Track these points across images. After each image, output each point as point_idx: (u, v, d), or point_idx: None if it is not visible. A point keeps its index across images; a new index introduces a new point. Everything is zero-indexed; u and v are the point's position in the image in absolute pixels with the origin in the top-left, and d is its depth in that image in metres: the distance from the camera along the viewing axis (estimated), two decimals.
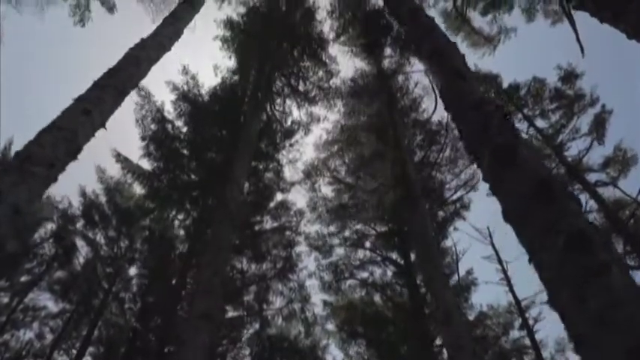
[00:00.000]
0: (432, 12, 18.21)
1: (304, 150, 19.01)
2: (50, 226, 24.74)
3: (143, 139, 18.78)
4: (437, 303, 9.81)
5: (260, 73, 18.01)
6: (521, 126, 18.69)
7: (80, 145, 5.91)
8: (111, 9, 18.73)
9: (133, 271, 22.92)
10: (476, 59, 18.49)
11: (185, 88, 18.82)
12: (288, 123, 18.97)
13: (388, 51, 17.95)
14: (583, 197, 16.71)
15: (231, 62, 18.85)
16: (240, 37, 18.28)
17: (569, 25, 11.64)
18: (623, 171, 18.31)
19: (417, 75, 24.29)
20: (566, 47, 19.39)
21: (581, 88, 17.92)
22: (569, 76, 17.82)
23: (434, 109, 16.21)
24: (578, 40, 11.99)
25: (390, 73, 17.36)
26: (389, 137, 14.89)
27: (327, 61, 18.49)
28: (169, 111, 18.84)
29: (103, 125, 6.49)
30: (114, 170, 23.81)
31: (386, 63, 17.84)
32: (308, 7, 18.57)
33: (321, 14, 18.74)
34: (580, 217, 3.26)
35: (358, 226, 18.44)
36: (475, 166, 17.89)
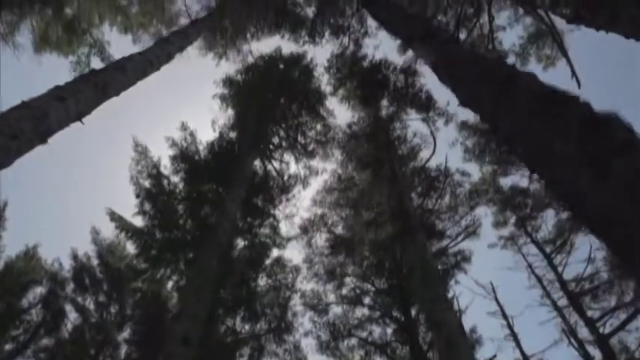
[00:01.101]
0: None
1: (302, 204, 18.72)
2: (39, 290, 23.96)
3: (137, 195, 18.45)
4: (438, 329, 9.00)
5: (258, 127, 17.97)
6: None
7: (51, 127, 5.55)
8: None
9: (122, 336, 21.92)
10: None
11: (183, 144, 18.64)
12: (286, 176, 18.71)
13: (385, 102, 17.98)
14: None
15: (229, 117, 18.80)
16: (239, 93, 18.37)
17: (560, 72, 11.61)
18: None
19: (415, 124, 24.36)
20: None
21: None
22: None
23: (432, 154, 15.98)
24: (573, 72, 11.92)
25: (387, 119, 17.29)
26: (385, 172, 14.54)
27: (324, 114, 18.56)
28: (166, 166, 18.60)
29: (79, 117, 6.16)
30: (110, 231, 23.20)
31: (383, 112, 17.83)
32: (306, 64, 18.81)
33: (319, 69, 18.96)
34: (592, 107, 2.83)
35: (357, 283, 17.66)
36: (474, 214, 17.58)
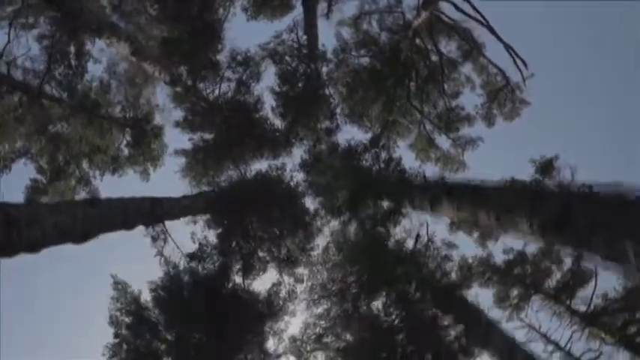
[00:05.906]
0: (402, 145, 18.60)
1: (290, 319, 16.83)
2: None
3: (116, 336, 17.14)
4: None
5: (240, 242, 17.43)
6: None
7: None
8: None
9: None
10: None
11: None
12: (272, 291, 17.24)
13: None
14: None
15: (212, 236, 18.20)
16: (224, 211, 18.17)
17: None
18: None
19: None
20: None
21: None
22: (547, 166, 16.72)
23: None
24: (515, 58, 11.97)
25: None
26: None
27: (307, 219, 18.08)
28: (147, 299, 17.54)
29: None
30: None
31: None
32: (287, 182, 18.81)
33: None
34: None
35: None
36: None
